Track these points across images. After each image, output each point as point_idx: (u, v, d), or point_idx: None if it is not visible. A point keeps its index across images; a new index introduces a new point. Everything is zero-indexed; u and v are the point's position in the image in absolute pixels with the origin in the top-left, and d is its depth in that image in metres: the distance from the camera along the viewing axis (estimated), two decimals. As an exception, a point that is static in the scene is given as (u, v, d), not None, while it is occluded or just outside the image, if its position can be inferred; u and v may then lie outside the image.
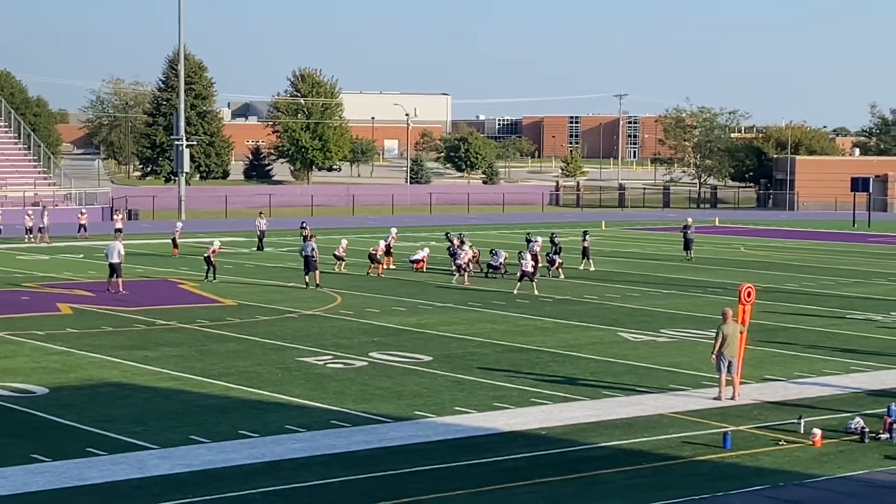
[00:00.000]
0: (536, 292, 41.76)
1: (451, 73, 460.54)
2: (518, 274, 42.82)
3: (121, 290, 40.98)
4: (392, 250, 50.99)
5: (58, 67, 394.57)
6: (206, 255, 45.83)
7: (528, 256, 43.49)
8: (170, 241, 56.87)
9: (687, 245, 57.20)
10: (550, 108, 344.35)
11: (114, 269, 41.50)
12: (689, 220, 60.50)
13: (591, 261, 51.35)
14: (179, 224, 60.73)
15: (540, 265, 46.30)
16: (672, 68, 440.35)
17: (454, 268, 46.50)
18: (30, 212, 67.20)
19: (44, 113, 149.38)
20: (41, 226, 63.52)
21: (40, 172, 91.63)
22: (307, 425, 21.82)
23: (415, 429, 21.79)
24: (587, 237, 52.03)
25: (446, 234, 52.96)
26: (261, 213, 64.50)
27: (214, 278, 44.84)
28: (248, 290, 42.37)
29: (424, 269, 49.60)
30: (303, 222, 60.67)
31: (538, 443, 20.91)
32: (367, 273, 47.70)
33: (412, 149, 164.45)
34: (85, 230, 65.91)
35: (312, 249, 43.27)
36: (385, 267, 48.77)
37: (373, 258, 48.30)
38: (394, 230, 54.13)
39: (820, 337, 33.29)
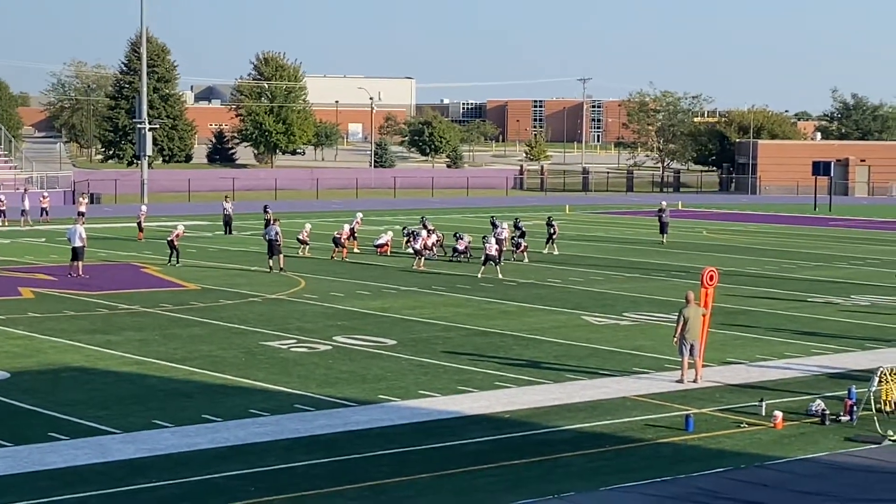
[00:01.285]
0: (500, 276, 41.83)
1: (415, 57, 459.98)
2: (482, 258, 42.87)
3: (81, 273, 40.76)
4: (356, 234, 51.01)
5: (19, 50, 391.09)
6: (169, 238, 45.67)
7: (493, 240, 43.54)
8: (135, 224, 56.61)
9: (662, 229, 57.31)
10: (514, 92, 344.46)
11: (76, 253, 41.28)
12: (664, 203, 60.46)
13: (555, 245, 51.48)
14: (144, 207, 60.39)
15: (505, 249, 46.38)
16: (636, 53, 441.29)
17: (413, 251, 46.54)
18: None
19: (4, 96, 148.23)
20: (23, 209, 63.43)
21: (1, 156, 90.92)
22: (271, 409, 21.80)
23: (379, 412, 21.81)
24: (553, 224, 52.02)
25: (403, 229, 52.51)
26: (226, 196, 64.20)
27: (177, 262, 44.68)
28: (211, 274, 42.24)
29: (389, 254, 49.58)
30: (265, 206, 60.52)
31: (502, 426, 20.97)
32: (332, 257, 47.65)
33: (376, 132, 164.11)
34: (46, 214, 65.50)
35: (276, 233, 43.18)
36: (348, 250, 48.68)
37: (337, 242, 48.23)
38: (359, 215, 54.17)
39: (781, 320, 33.51)
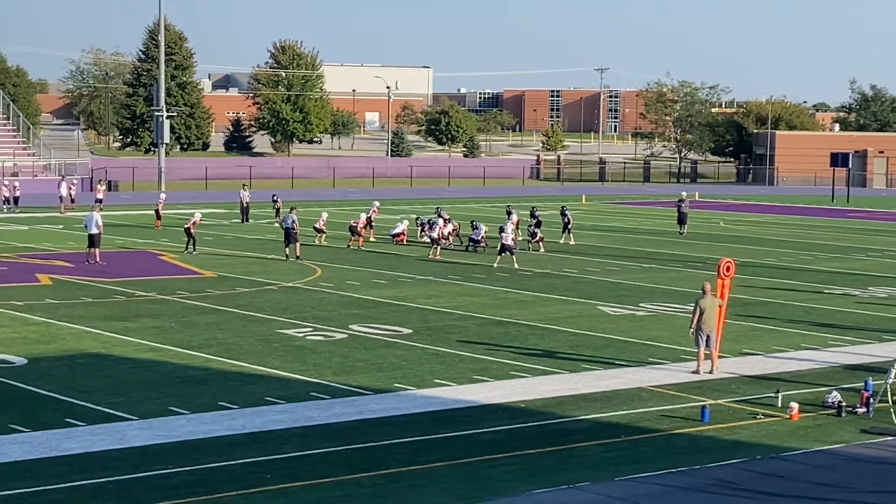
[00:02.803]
0: (516, 266, 41.80)
1: (432, 46, 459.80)
2: (498, 247, 42.85)
3: (98, 260, 40.88)
4: (373, 223, 51.03)
5: (38, 37, 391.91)
6: (186, 226, 45.76)
7: (509, 229, 43.47)
8: (153, 212, 56.72)
9: (681, 219, 57.17)
10: (532, 81, 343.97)
11: (92, 240, 41.40)
12: (684, 194, 60.34)
13: (571, 235, 51.42)
14: (163, 195, 60.51)
15: (520, 238, 46.24)
16: (654, 42, 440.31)
17: (429, 241, 46.54)
18: (6, 182, 67.17)
19: (23, 83, 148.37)
20: (61, 195, 63.83)
21: (20, 142, 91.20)
22: (287, 397, 21.84)
23: (394, 401, 21.83)
24: (567, 214, 51.97)
25: (417, 219, 52.73)
26: (244, 185, 64.26)
27: (195, 250, 44.77)
28: (228, 262, 42.31)
29: (405, 242, 49.58)
30: (274, 195, 60.77)
31: (517, 415, 20.97)
32: (348, 245, 47.68)
33: (393, 121, 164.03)
34: (73, 201, 65.68)
35: (293, 222, 43.22)
36: (364, 239, 48.69)
37: (353, 231, 48.26)
38: (376, 203, 54.19)
39: (798, 311, 33.43)
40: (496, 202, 75.06)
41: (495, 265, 41.88)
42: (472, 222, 49.37)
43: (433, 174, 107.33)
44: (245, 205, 59.38)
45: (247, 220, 58.79)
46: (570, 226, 51.62)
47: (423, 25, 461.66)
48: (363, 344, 27.26)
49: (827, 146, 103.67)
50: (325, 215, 50.83)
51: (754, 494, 16.80)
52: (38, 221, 58.26)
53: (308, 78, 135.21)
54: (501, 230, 43.47)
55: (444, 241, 46.75)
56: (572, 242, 50.60)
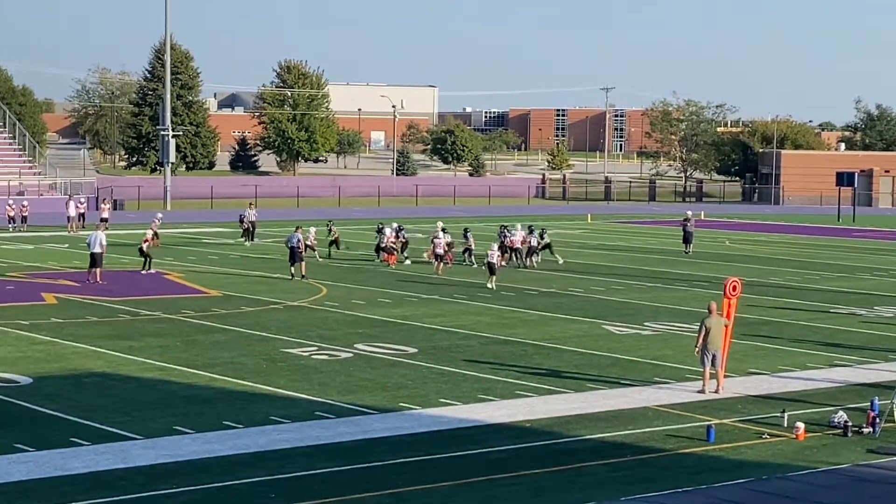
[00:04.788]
0: (492, 286, 41.13)
1: (438, 65, 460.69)
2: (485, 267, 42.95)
3: (98, 280, 40.84)
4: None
5: (44, 56, 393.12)
6: (140, 245, 45.49)
7: (495, 247, 43.58)
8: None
9: (686, 238, 57.11)
10: (537, 100, 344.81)
11: (94, 259, 41.38)
12: (689, 213, 60.27)
13: (556, 255, 50.46)
14: (160, 215, 60.29)
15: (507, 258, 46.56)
16: (659, 62, 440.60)
17: (435, 257, 46.56)
18: (11, 201, 67.28)
19: (29, 102, 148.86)
20: (69, 215, 63.97)
21: (25, 162, 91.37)
22: (292, 416, 21.82)
23: (399, 420, 21.81)
24: (545, 236, 51.38)
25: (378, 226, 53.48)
26: (251, 203, 64.18)
27: (150, 268, 44.32)
28: (233, 281, 42.33)
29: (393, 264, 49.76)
30: (241, 214, 59.96)
31: (523, 435, 20.94)
32: (382, 260, 48.46)
33: (399, 141, 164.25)
34: (83, 219, 65.74)
35: (298, 241, 43.24)
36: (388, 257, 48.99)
37: (387, 250, 48.57)
38: (395, 225, 53.79)
39: (804, 331, 33.39)
40: (502, 221, 74.90)
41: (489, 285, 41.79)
42: (465, 230, 50.29)
43: (439, 193, 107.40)
44: (249, 224, 59.36)
45: (252, 240, 58.79)
46: (550, 246, 50.56)
47: (428, 45, 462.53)
48: (368, 363, 27.25)
49: (832, 165, 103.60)
50: (313, 230, 50.16)
51: (760, 514, 16.76)
52: (44, 241, 58.32)
53: (313, 97, 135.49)
54: (504, 242, 43.79)
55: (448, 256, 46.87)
56: (560, 262, 49.71)
